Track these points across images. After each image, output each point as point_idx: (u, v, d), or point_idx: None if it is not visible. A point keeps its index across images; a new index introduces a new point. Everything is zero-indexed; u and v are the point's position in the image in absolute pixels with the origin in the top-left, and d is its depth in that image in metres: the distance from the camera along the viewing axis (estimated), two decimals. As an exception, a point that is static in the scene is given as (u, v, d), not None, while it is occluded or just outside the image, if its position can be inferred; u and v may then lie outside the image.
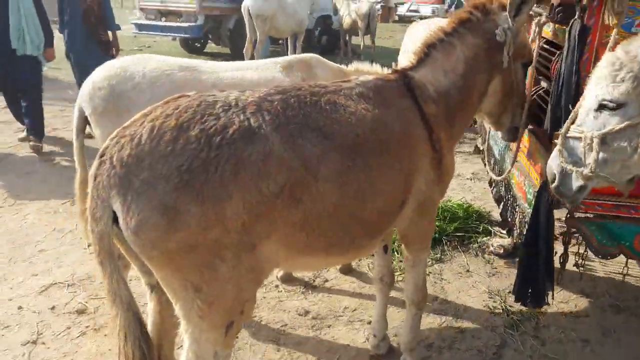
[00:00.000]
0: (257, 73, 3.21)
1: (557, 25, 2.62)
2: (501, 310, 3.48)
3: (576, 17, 2.25)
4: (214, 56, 13.93)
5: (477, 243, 4.28)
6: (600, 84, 2.03)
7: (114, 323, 1.83)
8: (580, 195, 2.18)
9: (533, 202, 2.59)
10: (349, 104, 2.24)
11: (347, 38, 14.20)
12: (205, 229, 1.70)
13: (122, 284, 1.81)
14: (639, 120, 1.97)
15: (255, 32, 10.55)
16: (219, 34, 13.25)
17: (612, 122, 2.00)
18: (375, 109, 2.29)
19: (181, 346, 1.98)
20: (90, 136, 3.12)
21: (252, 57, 10.58)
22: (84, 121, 2.91)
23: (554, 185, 2.21)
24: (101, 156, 1.77)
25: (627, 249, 2.53)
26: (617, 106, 1.99)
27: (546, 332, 3.30)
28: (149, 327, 2.14)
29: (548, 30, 2.89)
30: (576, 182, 2.14)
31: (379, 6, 15.77)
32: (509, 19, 2.54)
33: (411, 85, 2.50)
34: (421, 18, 23.85)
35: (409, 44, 6.33)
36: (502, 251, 4.11)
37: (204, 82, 2.95)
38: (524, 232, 2.69)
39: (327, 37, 14.23)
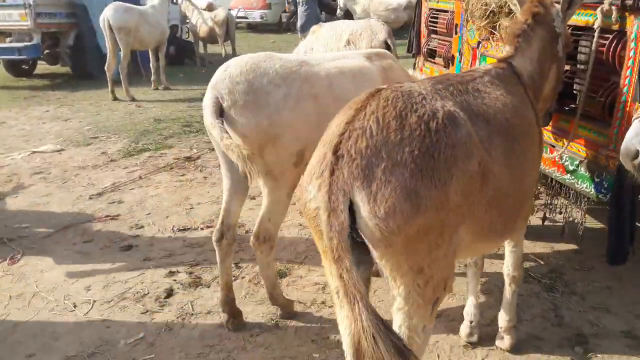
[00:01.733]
0: (352, 61, 3.42)
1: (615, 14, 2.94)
2: (531, 278, 3.80)
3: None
4: (49, 77, 12.39)
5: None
6: None
7: (354, 326, 1.67)
8: None
9: (615, 173, 2.89)
10: (489, 91, 2.41)
11: (198, 47, 13.73)
12: (438, 210, 1.80)
13: (360, 280, 1.71)
14: None
15: (116, 46, 9.67)
16: (56, 53, 11.80)
17: None
18: (507, 95, 2.46)
19: None
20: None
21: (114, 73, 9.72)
22: (220, 110, 2.92)
23: (636, 161, 2.33)
24: (335, 151, 1.81)
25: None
26: None
27: (577, 288, 3.71)
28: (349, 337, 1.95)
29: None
30: None
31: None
32: (560, 13, 2.87)
33: (517, 73, 2.69)
34: (249, 25, 24.24)
35: (319, 47, 6.51)
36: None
37: (318, 73, 3.14)
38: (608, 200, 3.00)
39: (174, 47, 13.57)
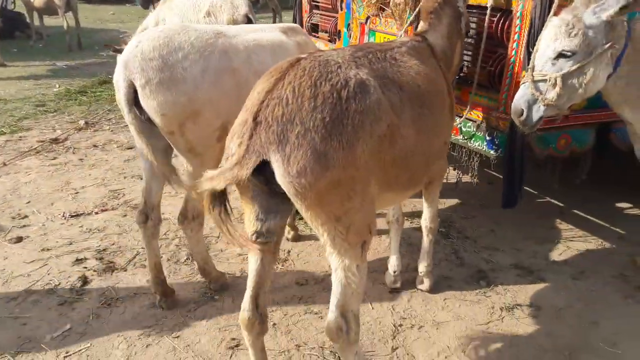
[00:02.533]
0: (270, 34, 3.38)
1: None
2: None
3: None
4: None
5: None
6: (558, 39, 2.87)
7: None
8: (537, 124, 3.04)
9: (507, 131, 3.40)
10: (405, 60, 2.67)
11: (32, 19, 12.25)
12: (345, 168, 2.02)
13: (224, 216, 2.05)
14: (584, 63, 2.90)
15: None
16: None
17: (567, 66, 2.87)
18: (421, 65, 2.74)
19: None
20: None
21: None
22: (134, 94, 2.76)
23: (522, 117, 2.97)
24: (255, 118, 2.01)
25: (553, 150, 3.60)
26: (571, 54, 2.88)
27: (468, 233, 4.28)
28: (252, 277, 2.33)
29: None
30: (537, 114, 2.96)
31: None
32: None
33: (430, 46, 2.99)
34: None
35: (173, 17, 6.52)
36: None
37: (236, 45, 3.06)
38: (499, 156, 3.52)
39: (1, 20, 11.96)
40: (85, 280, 3.53)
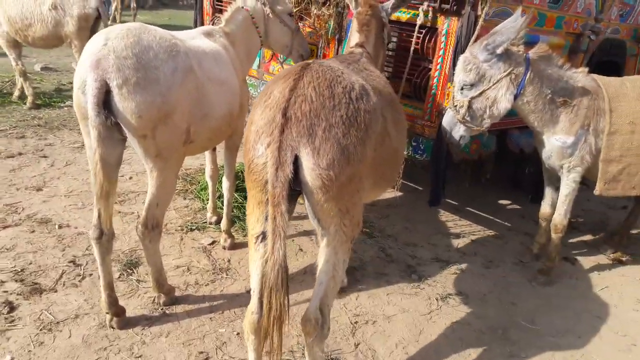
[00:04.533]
0: (204, 41, 3.42)
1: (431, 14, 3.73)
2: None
3: (469, 9, 3.48)
4: None
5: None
6: (459, 74, 3.44)
7: (271, 258, 2.06)
8: (462, 141, 3.56)
9: (432, 137, 3.80)
10: (372, 70, 3.03)
11: None
12: (359, 162, 2.20)
13: (286, 222, 2.07)
14: (482, 90, 3.43)
15: None
16: None
17: (470, 93, 3.44)
18: (379, 74, 3.09)
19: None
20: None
21: None
22: (105, 95, 2.60)
23: (447, 137, 3.56)
24: (284, 114, 2.11)
25: (467, 154, 4.07)
26: (470, 86, 3.42)
27: (387, 231, 4.63)
28: (258, 280, 2.31)
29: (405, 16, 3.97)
30: (457, 133, 3.53)
31: None
32: (389, 8, 3.70)
33: (370, 56, 3.38)
34: None
35: (10, 8, 6.38)
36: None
37: (191, 49, 3.07)
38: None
39: None
40: (11, 306, 3.16)
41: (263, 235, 2.23)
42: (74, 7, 6.46)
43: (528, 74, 3.49)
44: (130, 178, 5.11)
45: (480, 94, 3.41)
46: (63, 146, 5.85)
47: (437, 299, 3.72)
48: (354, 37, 3.58)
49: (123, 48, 2.64)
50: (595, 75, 3.82)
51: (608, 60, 5.14)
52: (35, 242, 3.87)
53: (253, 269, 2.34)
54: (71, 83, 8.17)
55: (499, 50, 3.34)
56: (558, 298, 3.90)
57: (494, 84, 3.40)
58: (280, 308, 2.09)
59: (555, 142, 3.73)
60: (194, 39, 3.37)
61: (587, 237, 5.01)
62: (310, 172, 2.08)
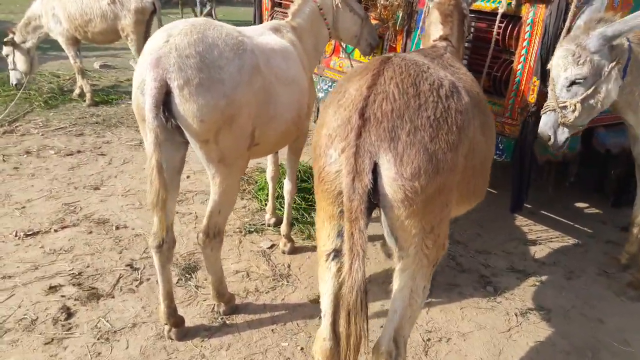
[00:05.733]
0: (272, 37, 3.21)
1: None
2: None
3: (560, -5, 3.12)
4: None
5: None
6: (568, 69, 2.96)
7: (349, 279, 1.77)
8: (565, 144, 3.15)
9: (513, 137, 3.44)
10: (458, 66, 2.64)
11: None
12: (450, 171, 1.88)
13: (365, 239, 1.79)
14: (597, 84, 3.00)
15: None
16: None
17: (581, 90, 2.99)
18: (467, 71, 2.70)
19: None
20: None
21: None
22: (165, 97, 2.39)
23: (550, 142, 3.11)
24: (362, 114, 1.81)
25: (551, 155, 3.67)
26: (583, 80, 2.98)
27: (456, 237, 4.30)
28: (330, 301, 2.06)
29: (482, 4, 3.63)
30: (562, 136, 3.10)
31: None
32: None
33: (456, 50, 3.01)
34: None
35: (68, 3, 6.54)
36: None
37: (258, 46, 2.87)
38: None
39: None
40: (69, 312, 3.06)
41: (335, 253, 1.96)
42: (132, 0, 6.57)
43: (630, 62, 3.09)
44: (188, 177, 4.98)
45: (595, 88, 2.97)
46: (120, 144, 5.81)
47: (515, 315, 3.38)
48: (434, 29, 3.24)
49: (186, 46, 2.43)
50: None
51: None
52: (92, 243, 3.79)
53: (324, 290, 2.07)
54: (129, 80, 8.26)
55: (617, 40, 2.93)
56: (653, 316, 3.49)
57: (605, 76, 2.97)
58: (360, 333, 1.83)
59: (652, 138, 3.30)
60: (262, 35, 3.15)
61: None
62: (391, 183, 1.78)
